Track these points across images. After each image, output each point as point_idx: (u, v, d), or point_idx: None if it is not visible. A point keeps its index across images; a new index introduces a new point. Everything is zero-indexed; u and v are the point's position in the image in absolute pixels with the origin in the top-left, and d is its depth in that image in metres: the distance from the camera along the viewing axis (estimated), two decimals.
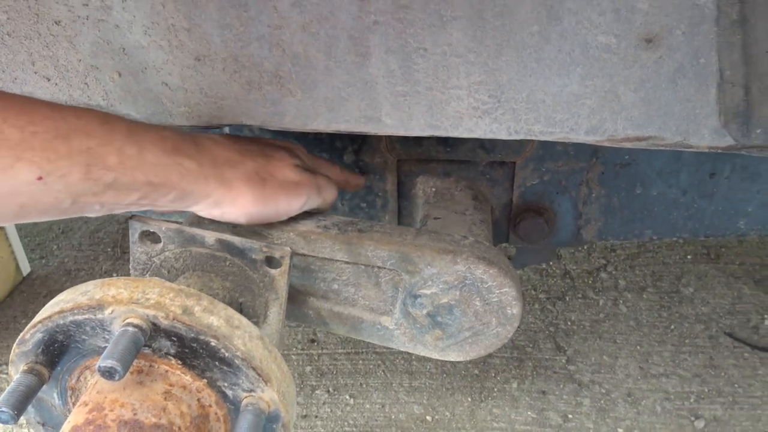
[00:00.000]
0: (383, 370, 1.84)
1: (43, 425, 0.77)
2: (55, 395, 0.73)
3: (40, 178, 0.61)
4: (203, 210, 0.79)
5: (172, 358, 0.67)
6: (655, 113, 0.74)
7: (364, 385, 1.80)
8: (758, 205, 1.13)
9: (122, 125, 0.69)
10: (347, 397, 1.77)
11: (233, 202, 0.79)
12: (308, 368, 1.86)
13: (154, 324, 0.64)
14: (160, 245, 0.87)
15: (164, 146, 0.72)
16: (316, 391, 1.79)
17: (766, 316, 1.95)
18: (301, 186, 0.87)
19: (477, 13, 0.69)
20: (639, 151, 1.10)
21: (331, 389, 1.79)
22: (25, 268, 2.24)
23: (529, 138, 0.79)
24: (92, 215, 0.72)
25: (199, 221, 0.89)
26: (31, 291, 2.18)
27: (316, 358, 1.89)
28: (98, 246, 2.37)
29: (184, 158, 0.74)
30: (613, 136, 0.77)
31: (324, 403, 1.76)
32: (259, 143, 0.88)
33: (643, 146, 0.78)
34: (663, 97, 0.73)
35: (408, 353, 1.86)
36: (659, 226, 1.18)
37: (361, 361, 1.87)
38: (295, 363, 1.87)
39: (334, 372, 1.84)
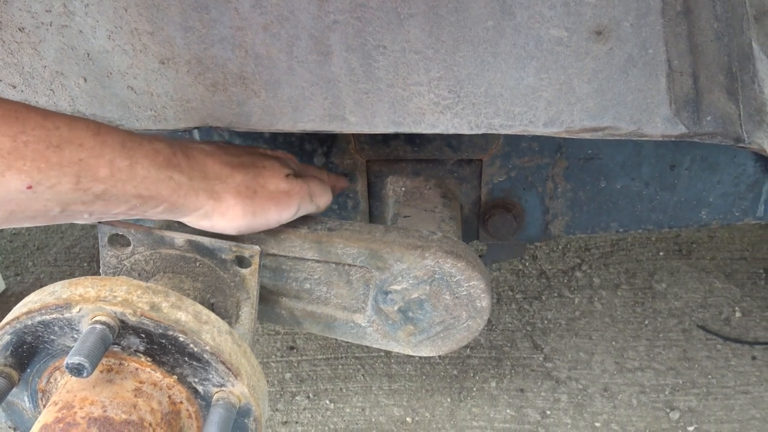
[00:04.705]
0: (363, 374, 1.84)
1: (14, 429, 0.77)
2: (25, 398, 0.73)
3: (29, 187, 0.61)
4: (193, 221, 0.80)
5: (141, 355, 0.67)
6: (609, 103, 0.77)
7: (344, 390, 1.80)
8: (719, 195, 1.16)
9: (115, 137, 0.69)
10: (327, 402, 1.77)
11: (223, 214, 0.80)
12: (288, 375, 1.86)
13: (122, 321, 0.65)
14: (130, 248, 0.87)
15: (156, 160, 0.72)
16: (296, 398, 1.79)
17: (737, 308, 1.99)
18: (291, 195, 0.88)
19: (432, 9, 0.71)
20: (602, 145, 1.13)
21: (311, 395, 1.80)
22: (0, 285, 2.22)
23: (490, 132, 0.81)
24: (81, 222, 0.73)
25: (169, 225, 0.90)
26: (7, 308, 2.14)
27: (296, 364, 1.89)
28: (74, 261, 2.35)
29: (175, 172, 0.74)
30: (571, 128, 0.79)
31: (304, 409, 1.76)
32: (250, 154, 0.89)
33: (600, 136, 0.80)
34: (616, 88, 0.76)
35: (387, 356, 1.87)
36: (624, 218, 1.20)
37: (340, 366, 1.88)
38: (275, 370, 1.87)
39: (314, 378, 1.84)
